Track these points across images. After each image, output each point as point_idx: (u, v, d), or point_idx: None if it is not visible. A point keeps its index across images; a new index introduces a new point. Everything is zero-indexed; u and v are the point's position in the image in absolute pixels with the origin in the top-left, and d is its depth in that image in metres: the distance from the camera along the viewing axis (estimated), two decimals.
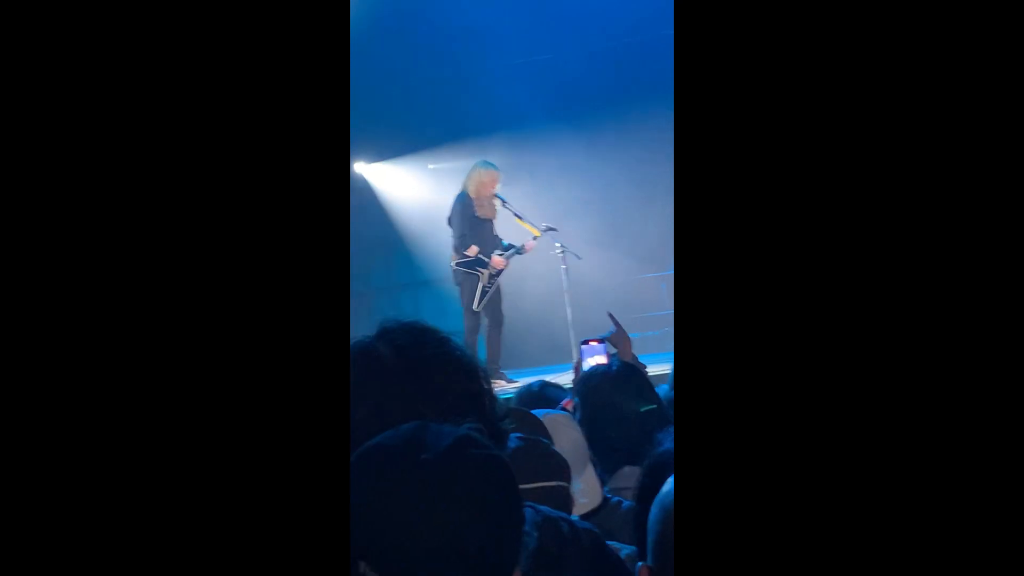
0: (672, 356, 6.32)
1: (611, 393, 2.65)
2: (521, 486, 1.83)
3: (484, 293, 7.64)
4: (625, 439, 2.50)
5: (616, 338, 3.45)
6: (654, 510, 1.36)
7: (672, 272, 9.95)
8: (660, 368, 5.99)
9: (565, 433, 2.34)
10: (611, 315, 3.54)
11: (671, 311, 9.81)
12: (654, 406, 2.48)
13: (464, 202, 7.65)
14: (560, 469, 2.03)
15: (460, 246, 7.65)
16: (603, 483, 2.47)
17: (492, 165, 7.73)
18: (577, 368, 3.38)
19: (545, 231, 7.76)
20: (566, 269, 7.89)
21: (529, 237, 7.78)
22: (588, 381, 2.75)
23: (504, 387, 6.81)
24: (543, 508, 1.57)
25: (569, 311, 7.80)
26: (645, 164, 9.21)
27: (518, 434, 2.04)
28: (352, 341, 1.52)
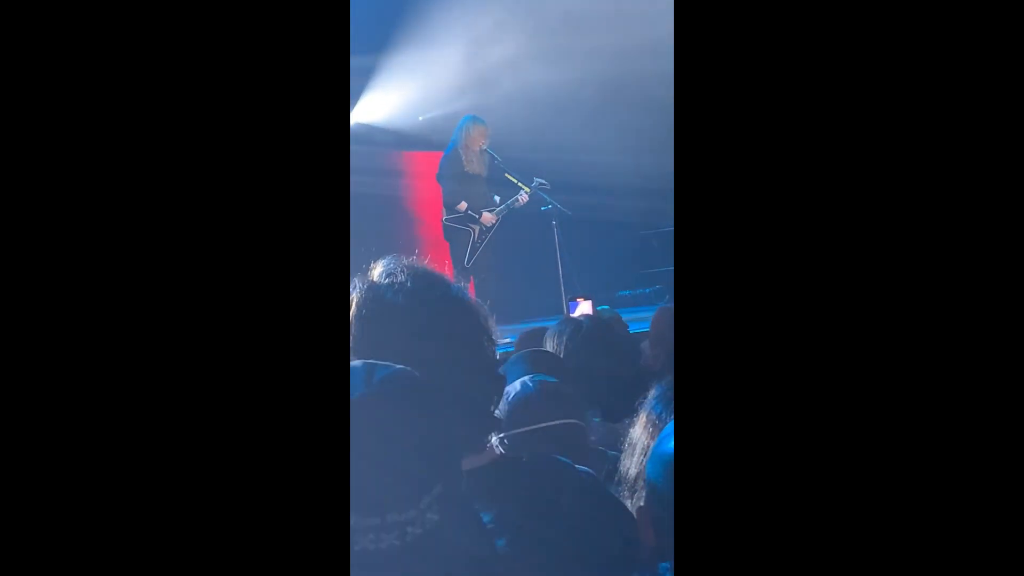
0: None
1: (579, 346, 2.71)
2: (537, 425, 1.87)
3: (474, 249, 7.60)
4: (593, 392, 2.52)
5: None
6: (650, 461, 1.36)
7: (664, 229, 9.99)
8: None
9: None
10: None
11: (663, 268, 9.83)
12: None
13: (453, 157, 7.59)
14: (573, 407, 2.05)
15: (449, 202, 7.60)
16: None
17: (481, 120, 7.66)
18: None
19: (536, 187, 7.71)
20: (557, 225, 7.86)
21: (520, 192, 7.73)
22: (558, 334, 2.80)
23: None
24: (542, 454, 1.57)
25: (560, 267, 7.78)
26: (639, 119, 9.15)
27: (532, 376, 2.07)
28: (354, 282, 1.56)
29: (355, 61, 8.56)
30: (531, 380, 2.06)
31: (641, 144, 9.08)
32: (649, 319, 6.53)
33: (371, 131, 9.65)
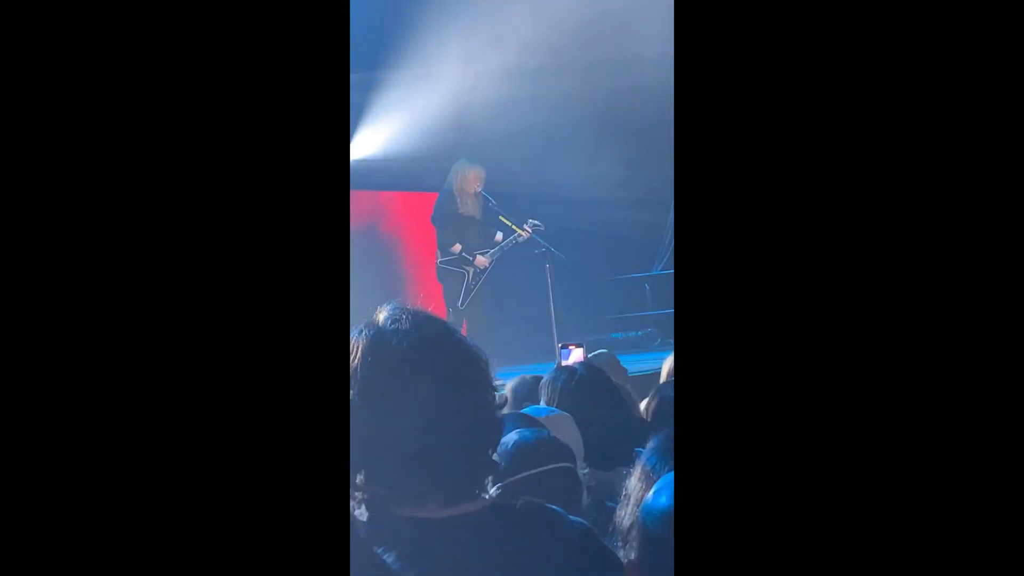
0: (655, 356, 6.35)
1: (574, 395, 2.71)
2: (529, 472, 1.89)
3: (468, 291, 7.62)
4: (588, 440, 2.51)
5: None
6: (640, 513, 1.36)
7: (655, 272, 10.02)
8: (640, 365, 6.01)
9: (567, 432, 2.37)
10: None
11: (654, 312, 9.83)
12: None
13: (448, 199, 7.63)
14: (564, 452, 2.06)
15: (443, 244, 7.64)
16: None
17: (476, 163, 7.71)
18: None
19: (531, 229, 7.73)
20: (550, 268, 7.88)
21: (516, 234, 7.76)
22: (552, 383, 2.81)
23: None
24: (535, 499, 1.58)
25: (553, 310, 7.79)
26: (633, 164, 9.19)
27: (521, 429, 2.08)
28: (361, 325, 1.59)
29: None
30: (527, 431, 2.08)
31: (637, 181, 9.11)
32: (640, 361, 6.54)
33: (364, 168, 9.67)
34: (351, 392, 1.51)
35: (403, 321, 1.57)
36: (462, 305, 7.61)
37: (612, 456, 2.40)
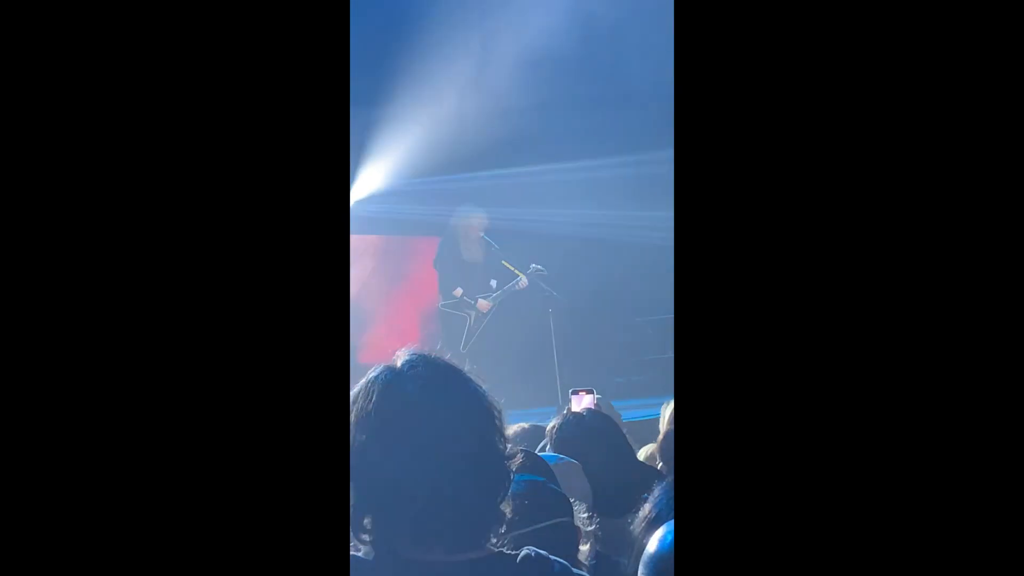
0: (657, 400, 6.33)
1: (582, 443, 2.71)
2: (525, 530, 1.90)
3: (470, 335, 7.65)
4: (595, 488, 2.51)
5: None
6: (643, 561, 1.37)
7: (659, 317, 10.00)
8: (643, 411, 6.00)
9: (575, 480, 2.36)
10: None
11: (658, 355, 9.80)
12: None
13: (450, 244, 7.69)
14: (561, 505, 2.06)
15: (446, 288, 7.68)
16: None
17: (479, 208, 7.78)
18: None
19: (532, 273, 7.77)
20: (552, 312, 7.90)
21: (517, 279, 7.79)
22: (560, 431, 2.81)
23: None
24: (540, 550, 1.59)
25: (556, 354, 7.79)
26: (639, 206, 9.21)
27: (520, 475, 2.08)
28: (379, 369, 1.61)
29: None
30: (521, 479, 2.08)
31: (641, 219, 9.12)
32: (644, 406, 6.52)
33: (366, 212, 9.68)
34: (364, 435, 1.53)
35: (420, 367, 1.60)
36: (464, 348, 7.63)
37: (620, 503, 2.39)
